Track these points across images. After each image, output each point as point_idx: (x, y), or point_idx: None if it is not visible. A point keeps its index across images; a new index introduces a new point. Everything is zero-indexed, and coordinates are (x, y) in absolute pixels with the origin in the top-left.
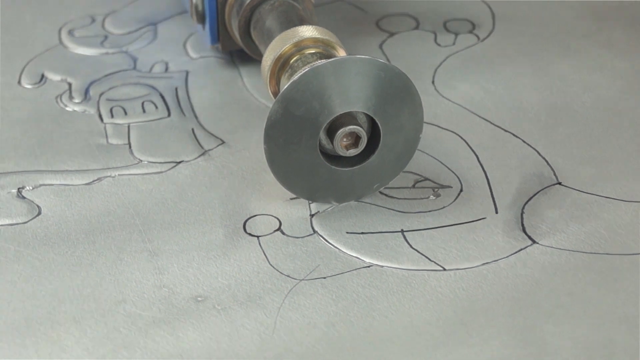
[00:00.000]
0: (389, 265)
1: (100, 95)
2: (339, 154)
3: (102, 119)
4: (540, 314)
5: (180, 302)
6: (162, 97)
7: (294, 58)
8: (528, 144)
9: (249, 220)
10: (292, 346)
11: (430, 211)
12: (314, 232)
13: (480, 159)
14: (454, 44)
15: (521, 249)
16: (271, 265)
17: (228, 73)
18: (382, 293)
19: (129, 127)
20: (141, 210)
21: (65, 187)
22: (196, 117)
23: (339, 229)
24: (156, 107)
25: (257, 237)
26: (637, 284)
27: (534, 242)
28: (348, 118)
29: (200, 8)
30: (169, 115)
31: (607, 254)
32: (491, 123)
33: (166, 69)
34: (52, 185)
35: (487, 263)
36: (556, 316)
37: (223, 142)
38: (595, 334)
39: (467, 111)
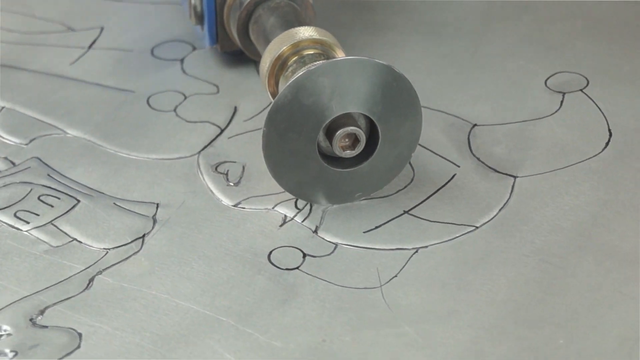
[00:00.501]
0: (430, 243)
1: None
2: (335, 154)
3: (18, 229)
4: (600, 223)
5: (318, 352)
6: (51, 187)
7: (293, 59)
8: None
9: (272, 260)
10: (467, 343)
11: (406, 187)
12: (335, 244)
13: None
14: None
15: (513, 186)
16: (341, 285)
17: (72, 142)
18: (457, 268)
19: (54, 224)
20: (172, 292)
21: (71, 301)
22: (102, 192)
23: (353, 232)
24: (59, 198)
25: (297, 268)
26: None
27: (514, 176)
28: (350, 119)
29: (198, 9)
30: (79, 201)
31: (578, 162)
32: None
33: (13, 163)
34: (55, 304)
35: (502, 208)
36: (617, 220)
37: (157, 204)
38: None
39: None
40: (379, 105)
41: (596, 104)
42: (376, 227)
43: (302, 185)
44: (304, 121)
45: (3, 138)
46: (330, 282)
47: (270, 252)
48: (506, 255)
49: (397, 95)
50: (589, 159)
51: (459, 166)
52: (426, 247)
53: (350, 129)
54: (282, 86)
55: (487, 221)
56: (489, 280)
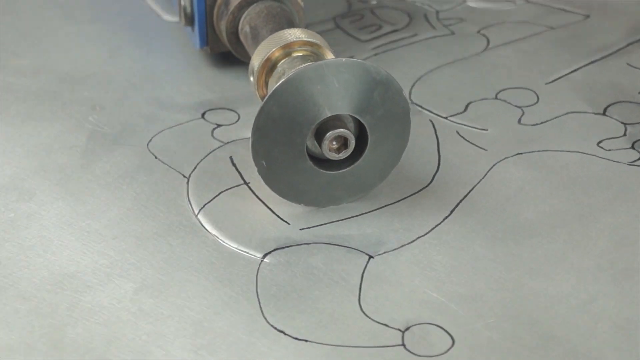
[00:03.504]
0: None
1: None
2: (324, 157)
3: None
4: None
5: None
6: None
7: (283, 60)
8: None
9: None
10: None
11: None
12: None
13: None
14: None
15: None
16: None
17: None
18: None
19: None
20: None
21: None
22: None
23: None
24: None
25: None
26: None
27: None
28: (339, 121)
29: (188, 10)
30: None
31: None
32: None
33: None
34: None
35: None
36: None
37: None
38: None
39: None
40: (367, 108)
41: None
42: None
43: (292, 188)
44: (293, 123)
45: None
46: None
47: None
48: None
49: (386, 98)
50: None
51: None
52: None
53: (340, 131)
54: (271, 88)
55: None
56: None
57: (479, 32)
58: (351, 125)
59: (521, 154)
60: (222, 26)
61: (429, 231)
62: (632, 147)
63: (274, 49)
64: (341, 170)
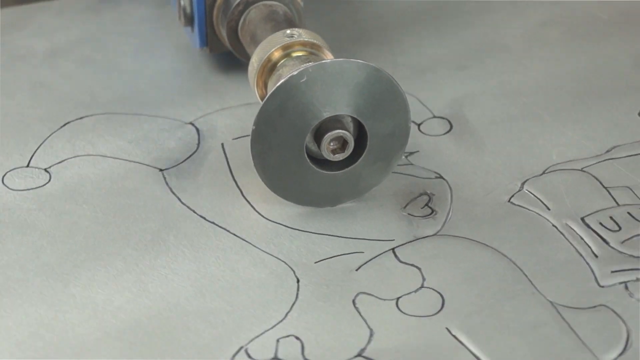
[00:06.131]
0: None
1: None
2: (323, 157)
3: None
4: None
5: None
6: None
7: (282, 61)
8: None
9: None
10: None
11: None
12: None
13: None
14: None
15: None
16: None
17: None
18: None
19: None
20: None
21: None
22: None
23: None
24: None
25: None
26: None
27: None
28: (338, 122)
29: (188, 10)
30: None
31: None
32: None
33: None
34: None
35: None
36: None
37: None
38: None
39: None
40: (367, 108)
41: None
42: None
43: (291, 188)
44: (292, 124)
45: None
46: None
47: None
48: None
49: (385, 98)
50: None
51: None
52: None
53: (339, 132)
54: (271, 88)
55: None
56: None
57: None
58: (350, 126)
59: None
60: (223, 26)
61: None
62: None
63: (273, 49)
64: (340, 171)
